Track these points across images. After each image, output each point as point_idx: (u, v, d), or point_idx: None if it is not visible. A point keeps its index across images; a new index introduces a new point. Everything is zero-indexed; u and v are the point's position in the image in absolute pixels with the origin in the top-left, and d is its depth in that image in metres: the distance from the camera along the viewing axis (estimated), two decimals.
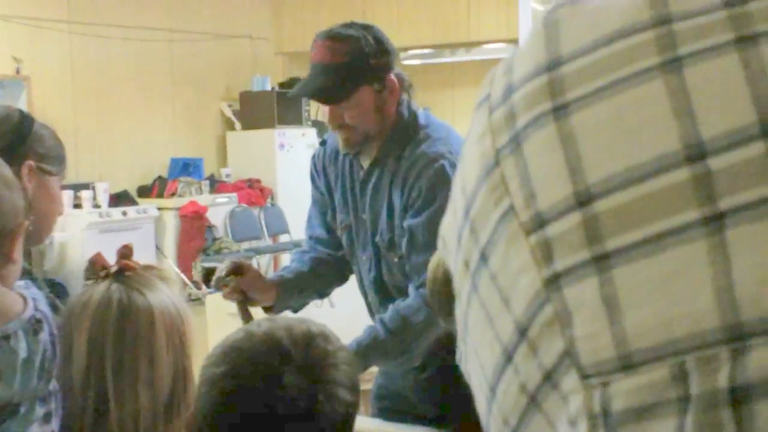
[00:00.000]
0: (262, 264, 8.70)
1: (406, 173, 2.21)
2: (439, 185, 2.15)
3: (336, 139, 2.32)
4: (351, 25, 2.21)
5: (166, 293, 1.45)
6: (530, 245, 0.30)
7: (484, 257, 0.32)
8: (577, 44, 0.31)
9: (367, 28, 2.21)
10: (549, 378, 0.29)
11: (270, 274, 2.90)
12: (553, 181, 0.29)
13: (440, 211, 2.22)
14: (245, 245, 8.83)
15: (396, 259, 2.28)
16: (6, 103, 5.30)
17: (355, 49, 2.17)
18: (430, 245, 2.11)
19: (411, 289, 2.23)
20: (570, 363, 0.28)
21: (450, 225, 0.37)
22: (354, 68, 2.18)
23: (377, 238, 2.32)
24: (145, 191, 8.75)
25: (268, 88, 9.53)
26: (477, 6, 9.39)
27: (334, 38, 2.18)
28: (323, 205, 2.50)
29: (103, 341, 1.37)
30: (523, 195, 0.30)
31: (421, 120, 2.29)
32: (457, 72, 11.44)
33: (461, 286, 0.34)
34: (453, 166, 2.14)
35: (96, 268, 1.47)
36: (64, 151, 1.99)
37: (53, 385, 1.36)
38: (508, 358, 0.31)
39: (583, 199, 0.29)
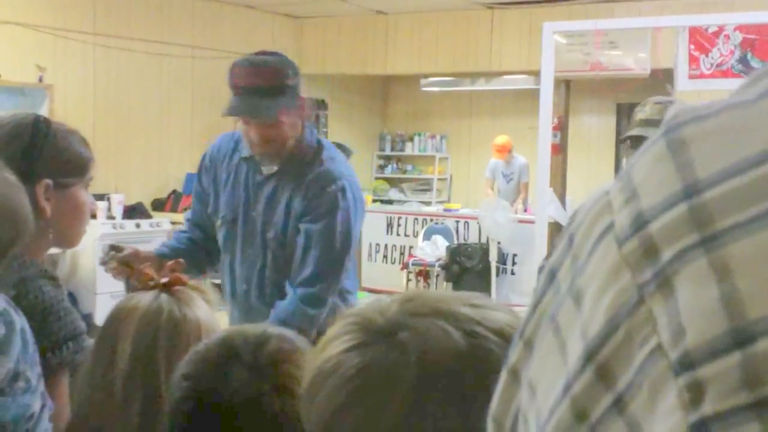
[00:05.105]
0: None
1: (309, 184, 2.63)
2: (340, 201, 2.61)
3: (237, 143, 2.75)
4: (264, 52, 2.62)
5: (207, 312, 1.51)
6: (678, 387, 0.27)
7: (619, 405, 0.29)
8: (715, 168, 0.29)
9: (277, 53, 2.63)
10: None
11: None
12: (707, 318, 0.27)
13: (335, 224, 2.56)
14: None
15: (280, 258, 2.66)
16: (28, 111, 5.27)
17: (276, 71, 2.56)
18: (322, 250, 2.59)
19: (289, 289, 2.61)
20: None
21: (542, 372, 0.33)
22: (276, 89, 2.55)
23: (268, 235, 2.68)
24: (159, 205, 8.79)
25: None
26: (499, 36, 9.40)
27: (257, 64, 2.56)
28: (204, 197, 2.87)
29: (152, 348, 1.41)
30: (672, 333, 0.28)
31: (324, 143, 2.75)
32: (475, 101, 11.45)
33: None
34: (351, 185, 2.66)
35: (144, 278, 1.52)
36: (88, 153, 1.92)
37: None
38: None
39: (743, 338, 0.26)
